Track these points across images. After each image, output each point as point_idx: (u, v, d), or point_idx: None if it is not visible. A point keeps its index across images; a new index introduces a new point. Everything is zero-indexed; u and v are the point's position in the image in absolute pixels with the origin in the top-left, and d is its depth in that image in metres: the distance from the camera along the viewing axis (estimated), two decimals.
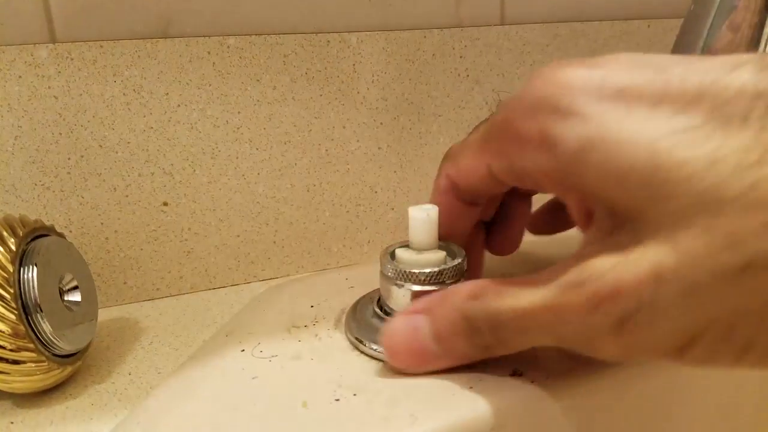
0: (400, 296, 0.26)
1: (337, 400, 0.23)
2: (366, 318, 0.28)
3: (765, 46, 0.26)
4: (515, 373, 0.23)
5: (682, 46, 0.28)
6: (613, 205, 0.18)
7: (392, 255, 0.26)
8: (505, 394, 0.23)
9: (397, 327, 0.23)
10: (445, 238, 0.26)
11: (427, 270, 0.25)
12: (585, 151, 0.17)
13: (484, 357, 0.22)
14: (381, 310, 0.27)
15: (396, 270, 0.25)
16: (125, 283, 0.37)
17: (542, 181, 0.20)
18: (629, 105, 0.17)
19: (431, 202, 0.26)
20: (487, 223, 0.29)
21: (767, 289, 0.15)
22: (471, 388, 0.23)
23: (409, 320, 0.23)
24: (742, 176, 0.15)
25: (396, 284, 0.25)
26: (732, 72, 0.16)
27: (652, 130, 0.16)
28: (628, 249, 0.17)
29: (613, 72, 0.18)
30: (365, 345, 0.26)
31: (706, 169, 0.15)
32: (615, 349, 0.18)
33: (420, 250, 0.26)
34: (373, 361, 0.25)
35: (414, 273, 0.25)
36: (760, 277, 0.15)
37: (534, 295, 0.19)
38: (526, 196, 0.29)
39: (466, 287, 0.22)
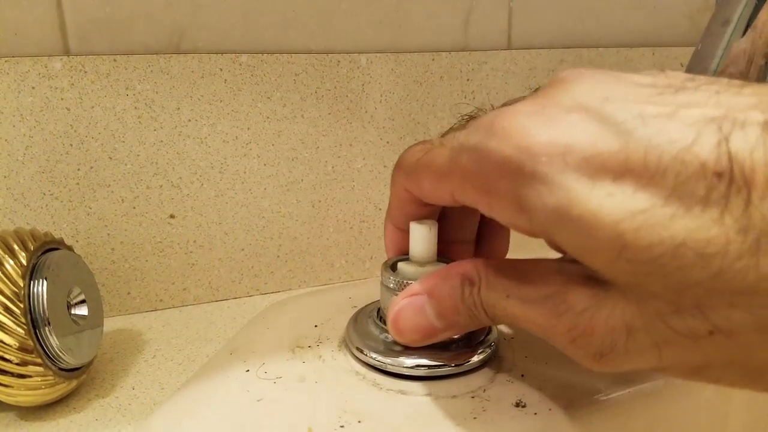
0: None
1: (342, 426, 0.23)
2: (366, 329, 0.28)
3: None
4: (519, 404, 0.24)
5: None
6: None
7: (393, 267, 0.27)
8: (508, 424, 0.23)
9: (402, 308, 0.24)
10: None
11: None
12: (554, 222, 0.18)
13: (486, 326, 0.25)
14: (380, 321, 0.28)
15: (398, 282, 0.26)
16: (129, 293, 0.37)
17: (512, 227, 0.21)
18: (593, 177, 0.17)
19: (392, 203, 0.27)
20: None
21: (731, 350, 0.16)
22: (475, 418, 0.23)
23: (413, 301, 0.24)
24: (704, 265, 0.15)
25: (397, 295, 0.26)
26: (695, 143, 0.16)
27: (616, 210, 0.16)
28: (600, 296, 0.18)
29: (575, 136, 0.17)
30: (365, 354, 0.26)
31: (670, 254, 0.16)
32: (596, 369, 0.19)
33: (421, 262, 0.26)
34: (376, 388, 0.25)
35: None
36: (725, 341, 0.16)
37: (523, 302, 0.20)
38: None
39: (462, 269, 0.22)
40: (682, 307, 0.16)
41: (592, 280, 0.18)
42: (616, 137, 0.17)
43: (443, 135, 0.26)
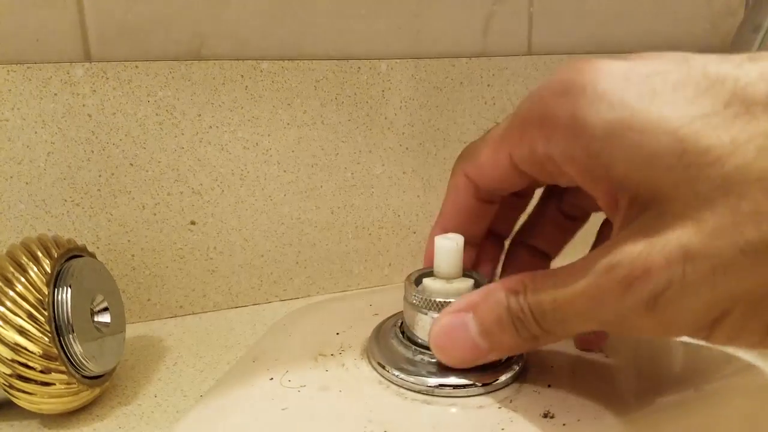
0: (426, 324, 0.26)
1: None
2: (389, 344, 0.28)
3: None
4: (547, 415, 0.23)
5: None
6: (638, 191, 0.18)
7: (417, 282, 0.27)
8: None
9: (444, 326, 0.23)
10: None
11: (456, 299, 0.25)
12: (613, 136, 0.18)
13: (532, 348, 0.23)
14: (403, 336, 0.27)
15: (423, 299, 0.25)
16: (149, 299, 0.37)
17: (568, 167, 0.20)
18: (654, 89, 0.18)
19: (446, 202, 0.27)
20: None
21: None
22: (503, 429, 0.23)
23: (456, 318, 0.23)
24: (765, 159, 0.15)
25: (422, 312, 0.26)
26: (752, 61, 0.17)
27: (676, 116, 0.17)
28: (655, 231, 0.18)
29: (638, 61, 0.19)
30: (388, 371, 0.26)
31: (730, 153, 0.16)
32: (650, 326, 0.18)
33: (447, 278, 0.26)
34: (401, 397, 0.25)
35: (443, 302, 0.25)
36: None
37: (571, 284, 0.20)
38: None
39: (506, 283, 0.22)
40: (740, 216, 0.16)
41: (646, 224, 0.18)
42: (675, 60, 0.18)
43: None
